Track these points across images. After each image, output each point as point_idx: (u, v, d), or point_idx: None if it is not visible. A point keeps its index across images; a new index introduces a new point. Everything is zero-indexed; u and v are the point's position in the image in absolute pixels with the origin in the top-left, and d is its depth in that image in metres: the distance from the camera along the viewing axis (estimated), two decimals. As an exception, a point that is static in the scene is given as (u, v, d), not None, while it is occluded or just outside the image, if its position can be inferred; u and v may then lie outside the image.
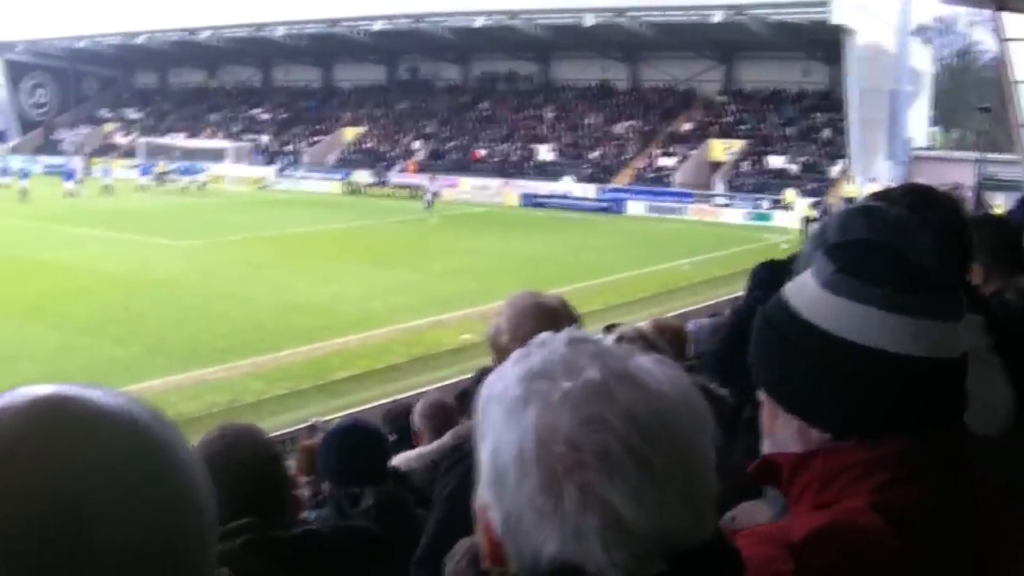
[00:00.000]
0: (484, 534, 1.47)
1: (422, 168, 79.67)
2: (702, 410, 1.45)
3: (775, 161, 69.97)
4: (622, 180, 72.71)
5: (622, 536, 1.32)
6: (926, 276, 1.98)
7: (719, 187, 69.13)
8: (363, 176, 78.92)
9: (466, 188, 73.43)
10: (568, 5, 73.75)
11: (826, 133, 71.21)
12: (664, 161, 73.75)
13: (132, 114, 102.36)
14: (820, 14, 63.49)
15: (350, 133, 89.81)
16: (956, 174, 58.95)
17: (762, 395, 2.11)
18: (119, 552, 1.12)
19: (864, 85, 65.31)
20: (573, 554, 1.33)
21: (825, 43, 68.90)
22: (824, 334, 1.93)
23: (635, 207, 66.88)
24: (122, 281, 34.84)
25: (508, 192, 70.79)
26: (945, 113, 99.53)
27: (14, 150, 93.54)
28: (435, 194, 63.48)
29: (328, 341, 27.22)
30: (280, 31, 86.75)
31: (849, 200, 47.21)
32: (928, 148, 77.66)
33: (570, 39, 79.86)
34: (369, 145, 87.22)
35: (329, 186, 78.42)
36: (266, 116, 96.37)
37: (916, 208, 3.09)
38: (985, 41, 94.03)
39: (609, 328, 6.97)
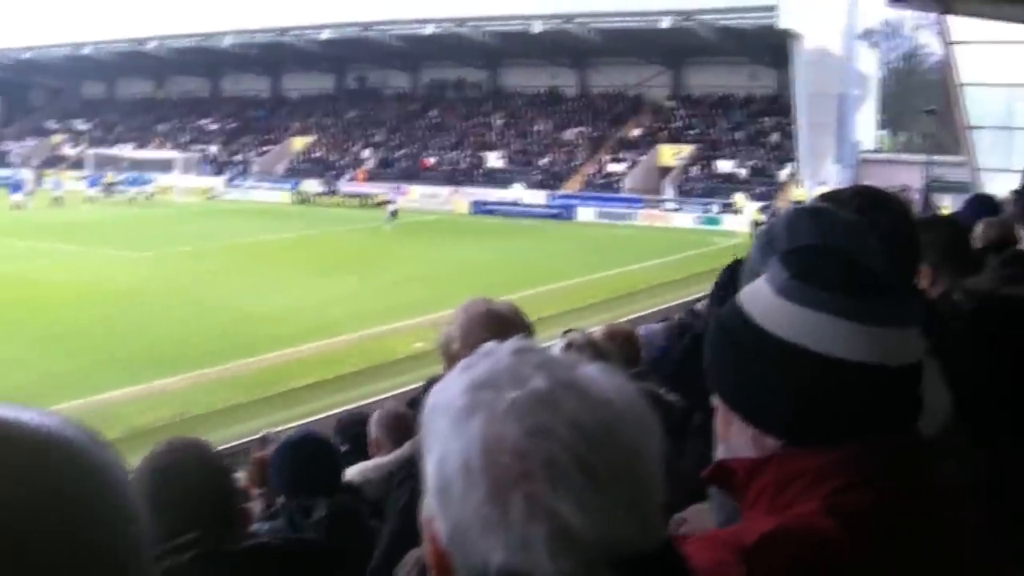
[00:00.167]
0: (430, 545, 1.45)
1: (371, 177, 79.62)
2: (648, 418, 1.44)
3: (724, 165, 70.39)
4: (572, 186, 72.85)
5: (569, 545, 1.31)
6: (880, 282, 1.98)
7: (669, 192, 69.34)
8: (312, 185, 78.71)
9: (416, 196, 73.39)
10: (516, 12, 73.72)
11: (774, 137, 71.66)
12: (613, 167, 74.00)
13: (80, 125, 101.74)
14: (767, 19, 63.88)
15: (299, 142, 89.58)
16: (904, 176, 59.46)
17: (716, 401, 2.10)
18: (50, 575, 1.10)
19: (812, 89, 65.74)
20: (520, 564, 1.32)
21: (772, 48, 69.36)
22: (778, 341, 1.92)
23: (585, 213, 67.09)
24: (73, 293, 34.57)
25: (458, 200, 70.86)
26: (892, 116, 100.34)
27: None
28: (393, 206, 62.76)
29: (280, 351, 27.11)
30: (228, 40, 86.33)
31: (798, 204, 47.50)
32: (876, 151, 78.28)
33: (519, 46, 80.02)
34: (318, 154, 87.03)
35: (278, 196, 78.20)
36: (214, 126, 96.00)
37: (864, 210, 3.07)
38: (931, 44, 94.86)
39: (568, 333, 6.97)
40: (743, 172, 69.06)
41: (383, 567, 3.97)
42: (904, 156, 75.44)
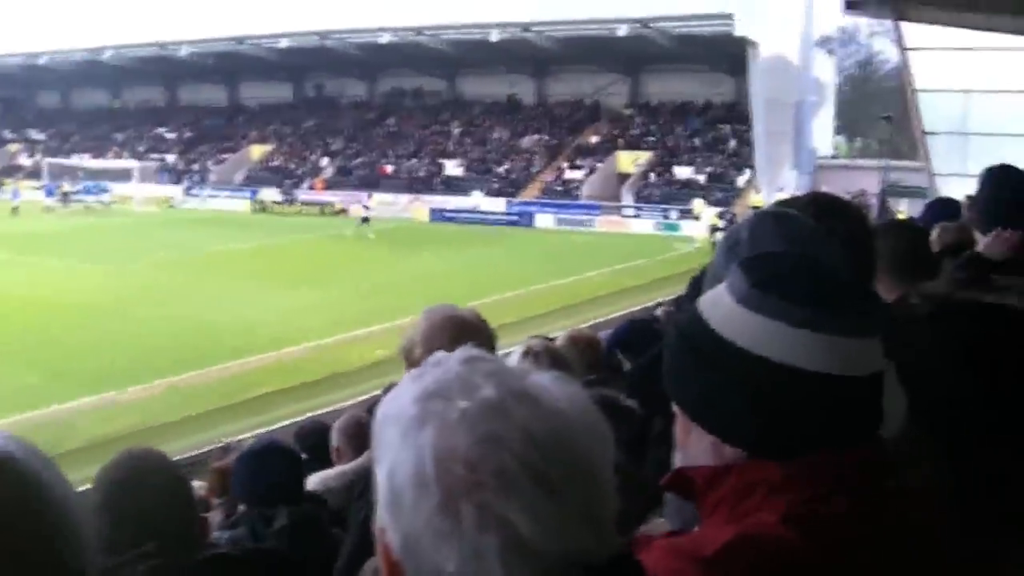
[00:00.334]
0: (383, 555, 1.44)
1: (330, 185, 79.43)
2: (601, 426, 1.44)
3: (682, 172, 70.52)
4: (530, 194, 72.84)
5: (522, 555, 1.31)
6: (841, 292, 1.96)
7: (627, 199, 69.45)
8: (271, 194, 78.35)
9: (374, 204, 73.26)
10: (474, 20, 73.67)
11: (732, 144, 71.89)
12: (572, 174, 73.98)
13: (36, 135, 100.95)
14: (724, 27, 63.98)
15: (257, 151, 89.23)
16: (861, 182, 59.99)
17: (676, 408, 2.08)
18: None
19: (769, 96, 65.85)
20: (473, 574, 1.32)
21: (730, 55, 69.47)
22: (739, 350, 1.90)
23: (544, 220, 67.16)
24: (32, 305, 34.30)
25: (417, 207, 70.69)
26: (849, 123, 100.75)
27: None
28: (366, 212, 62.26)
29: (241, 360, 27.01)
30: (185, 50, 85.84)
31: (756, 209, 47.64)
32: (833, 157, 78.58)
33: (476, 54, 79.98)
34: (276, 163, 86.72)
35: (237, 204, 77.77)
36: (172, 135, 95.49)
37: (820, 217, 3.08)
38: (886, 51, 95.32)
39: (535, 339, 6.96)
40: (701, 178, 69.20)
41: (344, 578, 3.97)
42: (861, 162, 75.80)
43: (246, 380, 25.69)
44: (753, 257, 2.11)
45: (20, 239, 53.27)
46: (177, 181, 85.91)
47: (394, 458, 1.40)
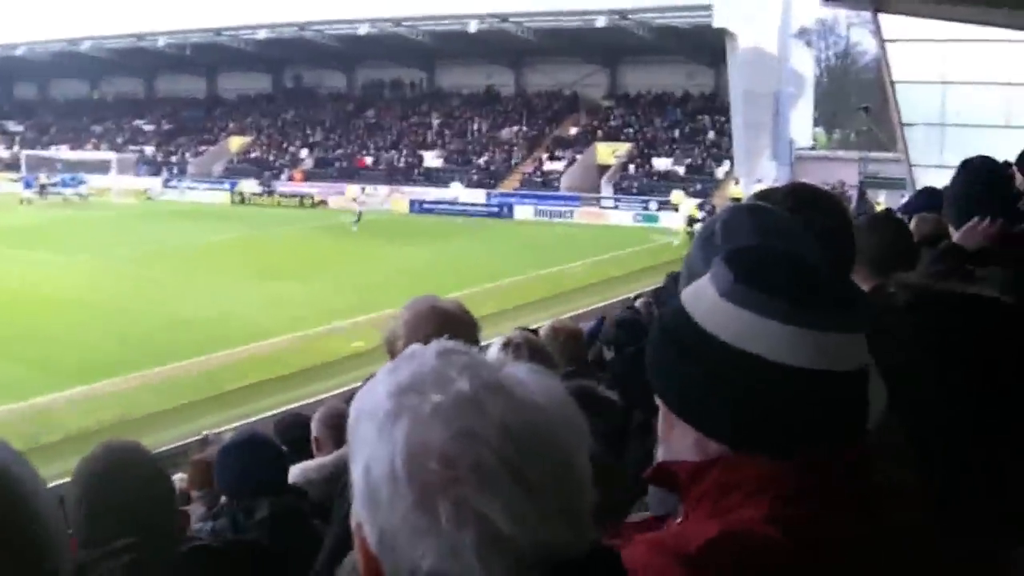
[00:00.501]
0: (360, 551, 1.44)
1: (309, 176, 79.36)
2: (577, 419, 1.43)
3: (661, 163, 70.52)
4: (510, 185, 72.86)
5: (499, 550, 1.30)
6: (827, 287, 1.94)
7: (606, 190, 69.52)
8: (250, 186, 78.23)
9: (353, 195, 73.23)
10: (452, 11, 73.50)
11: (711, 135, 71.95)
12: (551, 165, 74.02)
13: (13, 127, 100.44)
14: (703, 18, 63.90)
15: (236, 143, 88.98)
16: (839, 173, 60.15)
17: (659, 402, 2.06)
18: None
19: (748, 87, 65.95)
20: (450, 569, 1.31)
21: (708, 47, 69.56)
22: (722, 345, 1.88)
23: (523, 211, 67.29)
24: (9, 298, 34.16)
25: (396, 199, 70.57)
26: (827, 114, 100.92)
27: None
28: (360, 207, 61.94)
29: (219, 352, 26.97)
30: (163, 41, 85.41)
31: (735, 201, 47.74)
32: (811, 148, 78.66)
33: (455, 45, 79.83)
34: (255, 154, 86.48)
35: (216, 196, 77.73)
36: (150, 127, 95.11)
37: (800, 208, 3.07)
38: (865, 42, 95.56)
39: (516, 330, 6.95)
40: (680, 170, 69.21)
41: (327, 570, 3.96)
42: (840, 153, 75.98)
43: (224, 372, 25.68)
44: (737, 250, 2.08)
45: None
46: (156, 173, 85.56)
47: (370, 453, 1.39)
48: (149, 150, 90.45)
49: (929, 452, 2.42)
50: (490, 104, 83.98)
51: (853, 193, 52.64)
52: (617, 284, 36.69)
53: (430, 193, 71.98)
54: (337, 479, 4.85)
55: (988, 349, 2.66)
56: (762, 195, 3.33)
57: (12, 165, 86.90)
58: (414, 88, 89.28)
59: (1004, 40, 26.78)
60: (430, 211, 68.13)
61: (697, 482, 1.93)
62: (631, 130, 75.40)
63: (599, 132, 76.35)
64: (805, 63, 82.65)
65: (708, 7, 62.78)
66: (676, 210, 58.73)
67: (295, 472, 6.29)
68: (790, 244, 2.52)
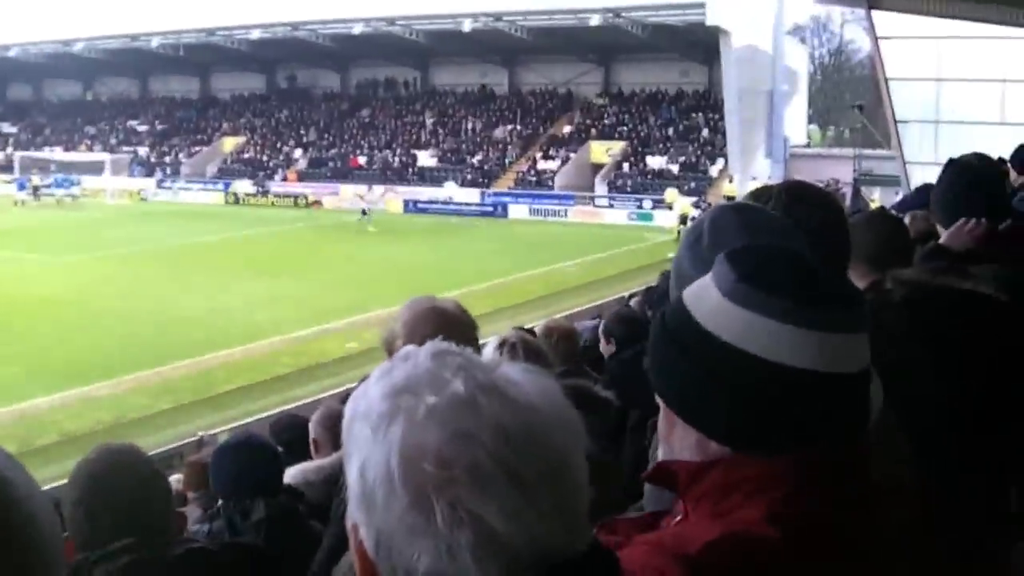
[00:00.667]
0: (356, 552, 1.44)
1: (302, 176, 79.39)
2: (572, 418, 1.43)
3: (655, 162, 70.49)
4: (504, 184, 72.88)
5: (495, 551, 1.30)
6: (831, 287, 1.93)
7: (600, 189, 69.53)
8: (244, 186, 78.21)
9: (347, 195, 73.17)
10: (446, 10, 73.44)
11: (705, 133, 71.93)
12: (545, 164, 73.96)
13: (6, 128, 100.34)
14: (697, 16, 63.83)
15: (229, 143, 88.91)
16: (834, 171, 60.14)
17: (660, 402, 2.05)
18: None
19: (742, 85, 65.86)
20: (446, 571, 1.31)
21: (702, 44, 69.62)
22: (724, 345, 1.87)
23: (518, 211, 67.29)
24: (1, 299, 34.10)
25: (390, 199, 70.50)
26: (821, 111, 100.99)
27: None
28: (368, 208, 61.82)
29: (213, 354, 26.96)
30: (156, 41, 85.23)
31: (730, 199, 47.75)
32: (805, 146, 78.66)
33: (449, 44, 79.78)
34: (249, 155, 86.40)
35: (210, 197, 77.74)
36: (144, 127, 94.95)
37: (793, 205, 3.08)
38: (858, 39, 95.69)
39: (512, 330, 6.95)
40: (674, 168, 69.21)
41: (323, 573, 3.96)
42: (834, 150, 75.95)
43: (219, 373, 25.67)
44: (740, 250, 2.06)
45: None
46: (149, 174, 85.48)
47: (365, 455, 1.39)
48: (143, 151, 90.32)
49: (926, 449, 2.43)
50: (484, 103, 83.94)
51: (847, 190, 52.64)
52: (612, 283, 36.69)
53: (424, 193, 71.93)
54: (336, 481, 4.85)
55: (984, 346, 2.66)
56: (756, 193, 3.33)
57: (5, 167, 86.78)
58: (408, 87, 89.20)
59: (998, 37, 26.85)
60: (424, 211, 68.11)
61: (697, 482, 1.92)
62: (625, 128, 75.36)
63: (593, 130, 76.31)
64: (799, 60, 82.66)
65: (702, 5, 62.72)
66: (671, 208, 58.75)
67: (294, 473, 6.30)
68: (779, 242, 2.52)
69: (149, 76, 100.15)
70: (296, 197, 74.17)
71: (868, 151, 59.74)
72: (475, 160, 76.82)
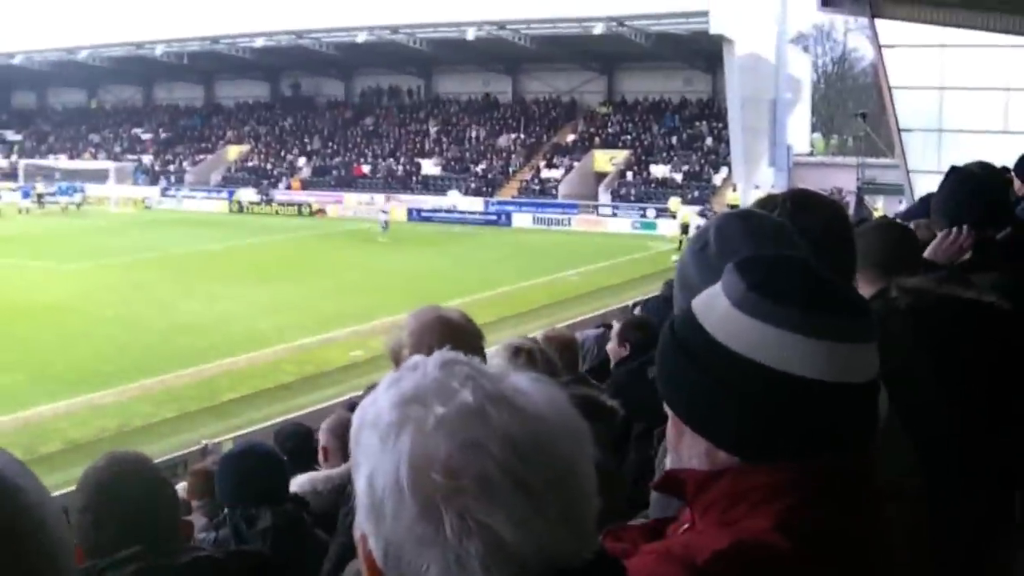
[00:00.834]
0: (365, 563, 1.44)
1: (306, 185, 79.42)
2: (580, 428, 1.43)
3: (659, 170, 70.53)
4: (507, 193, 72.97)
5: (504, 560, 1.30)
6: (840, 296, 1.92)
7: (604, 197, 69.50)
8: (248, 194, 78.23)
9: (351, 204, 73.20)
10: (450, 19, 73.43)
11: (708, 142, 71.97)
12: (549, 173, 74.00)
13: (11, 136, 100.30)
14: (700, 24, 63.82)
15: (234, 151, 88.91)
16: (837, 179, 60.08)
17: (669, 411, 2.05)
18: None
19: (745, 94, 65.85)
20: None
21: (706, 53, 69.71)
22: (733, 354, 1.87)
23: (521, 219, 67.32)
24: (5, 307, 34.10)
25: (394, 207, 70.50)
26: (825, 120, 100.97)
27: None
28: (385, 216, 61.91)
29: (217, 362, 26.96)
30: (160, 49, 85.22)
31: (733, 207, 47.74)
32: (809, 155, 78.63)
33: (452, 53, 79.73)
34: (253, 163, 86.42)
35: (214, 205, 77.80)
36: (148, 135, 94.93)
37: (799, 213, 3.08)
38: (862, 48, 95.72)
39: (526, 339, 6.93)
40: (678, 177, 69.25)
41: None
42: (837, 159, 76.12)
43: (223, 381, 25.66)
44: (749, 259, 2.05)
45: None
46: (154, 182, 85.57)
47: (373, 465, 1.39)
48: (147, 159, 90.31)
49: (930, 456, 2.43)
50: (488, 111, 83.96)
51: (851, 199, 52.62)
52: (615, 292, 36.69)
53: (428, 201, 71.92)
54: (344, 491, 4.85)
55: (987, 353, 2.67)
56: (762, 201, 3.33)
57: (10, 175, 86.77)
58: (412, 96, 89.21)
59: (1001, 45, 26.80)
60: (428, 219, 68.14)
61: (705, 491, 1.92)
62: (629, 137, 75.42)
63: (597, 139, 76.33)
64: (802, 69, 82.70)
65: (705, 13, 62.72)
66: (674, 217, 58.75)
67: (302, 482, 6.28)
68: (785, 250, 2.51)
69: (153, 84, 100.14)
70: (300, 205, 74.30)
71: (871, 160, 59.78)
72: (479, 169, 76.87)
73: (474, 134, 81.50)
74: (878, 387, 1.93)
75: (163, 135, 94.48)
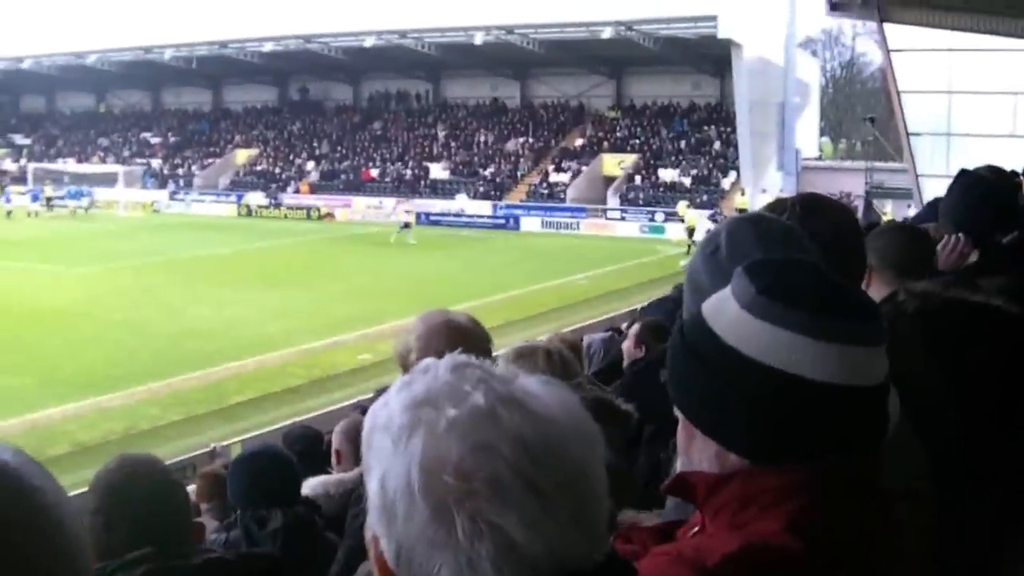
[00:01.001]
0: (376, 565, 1.45)
1: (314, 189, 79.47)
2: (591, 431, 1.44)
3: (667, 174, 70.43)
4: (516, 197, 72.92)
5: (515, 561, 1.31)
6: (850, 299, 1.93)
7: (612, 201, 69.50)
8: (256, 198, 78.29)
9: (360, 208, 73.22)
10: (458, 23, 73.46)
11: (717, 146, 71.91)
12: (557, 177, 73.95)
13: (20, 139, 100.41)
14: (708, 29, 63.78)
15: (242, 155, 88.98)
16: (846, 183, 60.03)
17: (679, 414, 2.05)
18: None
19: (753, 98, 65.75)
20: None
21: (714, 57, 69.65)
22: (743, 358, 1.87)
23: (530, 223, 67.34)
24: (14, 310, 34.13)
25: (402, 211, 70.46)
26: (833, 124, 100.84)
27: None
28: (406, 217, 61.82)
29: (225, 365, 26.95)
30: (169, 54, 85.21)
31: (741, 211, 47.72)
32: (817, 159, 78.52)
33: (460, 57, 79.80)
34: (262, 167, 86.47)
35: (222, 209, 77.91)
36: (157, 139, 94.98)
37: (808, 217, 3.08)
38: (870, 52, 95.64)
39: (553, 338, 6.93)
40: (686, 181, 69.18)
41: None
42: (846, 163, 75.86)
43: (231, 384, 25.67)
44: (758, 262, 2.06)
45: (1, 245, 52.97)
46: (162, 186, 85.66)
47: (385, 467, 1.40)
48: (156, 163, 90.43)
49: (939, 459, 2.43)
50: (496, 115, 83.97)
51: (859, 203, 52.58)
52: (624, 296, 36.67)
53: (436, 205, 71.88)
54: (354, 494, 4.85)
55: (996, 357, 2.67)
56: (772, 205, 3.34)
57: (19, 178, 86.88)
58: (420, 100, 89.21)
59: (1010, 49, 26.81)
60: (436, 223, 68.10)
61: (715, 494, 1.93)
62: (637, 141, 75.35)
63: (605, 143, 76.32)
64: (811, 73, 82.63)
65: (713, 18, 62.71)
66: (683, 221, 58.73)
67: (314, 485, 6.28)
68: (796, 253, 2.52)
69: (162, 88, 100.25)
70: (308, 209, 74.33)
71: (880, 164, 59.69)
72: (487, 173, 76.84)
73: (482, 138, 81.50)
74: (888, 390, 1.93)
75: (172, 139, 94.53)
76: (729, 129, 70.38)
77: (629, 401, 4.72)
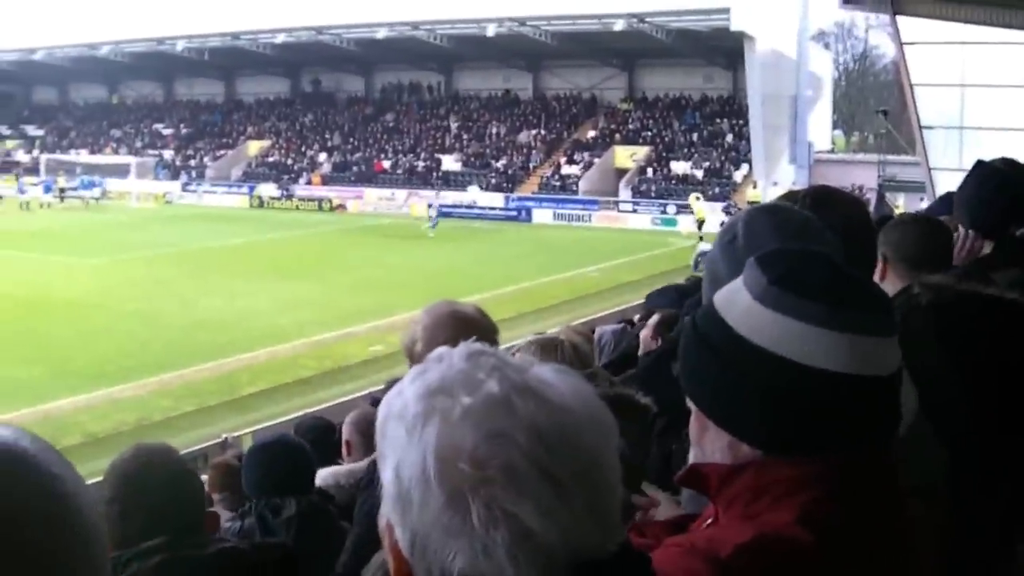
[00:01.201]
0: (391, 552, 1.45)
1: (327, 180, 79.47)
2: (606, 420, 1.44)
3: (679, 167, 70.38)
4: (528, 189, 72.87)
5: (530, 550, 1.31)
6: (862, 290, 1.93)
7: (624, 193, 69.43)
8: (269, 189, 78.30)
9: (372, 199, 73.20)
10: (470, 15, 73.39)
11: (729, 138, 71.80)
12: (569, 169, 73.93)
13: (32, 131, 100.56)
14: (721, 21, 63.73)
15: (254, 146, 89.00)
16: (858, 177, 59.87)
17: (692, 405, 2.05)
18: None
19: (766, 90, 65.65)
20: (482, 570, 1.32)
21: (726, 50, 69.55)
22: (755, 348, 1.88)
23: (542, 215, 67.23)
24: (26, 301, 34.20)
25: (414, 203, 70.42)
26: (846, 117, 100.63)
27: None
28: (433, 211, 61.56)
29: (237, 356, 26.99)
30: (181, 45, 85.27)
31: (753, 204, 47.65)
32: (830, 152, 78.37)
33: (473, 49, 79.75)
34: (274, 158, 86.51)
35: (235, 200, 77.93)
36: (169, 131, 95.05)
37: (819, 209, 3.08)
38: (883, 45, 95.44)
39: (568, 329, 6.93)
40: (698, 173, 69.10)
41: (348, 572, 3.97)
42: (858, 156, 75.73)
43: (243, 375, 25.70)
44: (770, 253, 2.06)
45: (13, 236, 52.99)
46: (174, 177, 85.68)
47: (400, 455, 1.40)
48: (168, 154, 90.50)
49: (952, 452, 2.43)
50: (508, 107, 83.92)
51: (871, 196, 52.46)
52: (636, 288, 36.61)
53: (448, 197, 71.72)
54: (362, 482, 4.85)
55: (1009, 350, 2.67)
56: (783, 198, 3.34)
57: (32, 169, 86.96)
58: (432, 92, 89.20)
59: (1023, 42, 26.70)
60: (448, 215, 67.93)
61: (728, 485, 1.93)
62: (649, 133, 75.30)
63: (617, 135, 76.26)
64: (823, 66, 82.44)
65: (726, 10, 62.63)
66: (695, 213, 58.71)
67: (325, 476, 6.29)
68: (812, 244, 2.53)
69: (174, 80, 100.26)
70: (320, 201, 74.28)
71: (892, 157, 59.58)
72: (499, 164, 76.79)
73: (494, 130, 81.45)
74: (900, 380, 1.94)
75: (184, 130, 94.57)
76: (741, 122, 70.31)
77: (646, 394, 4.73)
